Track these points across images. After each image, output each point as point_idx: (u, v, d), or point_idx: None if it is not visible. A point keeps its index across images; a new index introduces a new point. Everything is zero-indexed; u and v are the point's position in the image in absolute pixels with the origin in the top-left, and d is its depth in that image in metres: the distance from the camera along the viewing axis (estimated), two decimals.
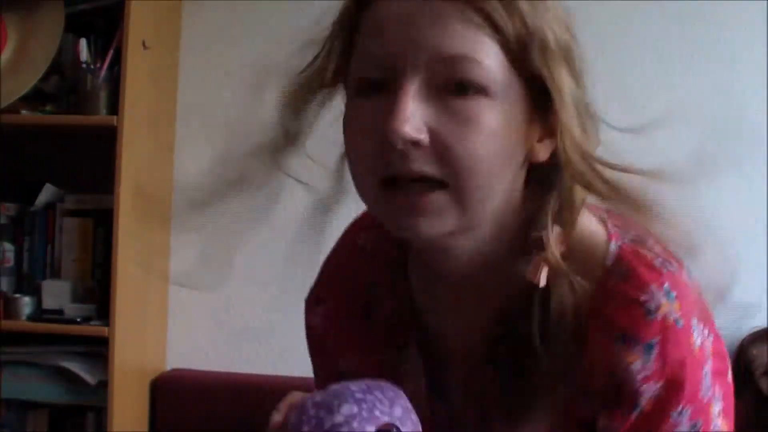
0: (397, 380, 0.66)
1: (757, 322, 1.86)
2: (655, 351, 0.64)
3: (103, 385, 1.78)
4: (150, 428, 1.96)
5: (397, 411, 0.61)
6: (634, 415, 0.64)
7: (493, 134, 0.59)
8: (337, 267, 0.81)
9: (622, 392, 0.65)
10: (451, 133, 0.59)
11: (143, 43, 1.85)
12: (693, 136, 1.96)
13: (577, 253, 0.66)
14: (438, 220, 0.61)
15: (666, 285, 0.65)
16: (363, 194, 0.65)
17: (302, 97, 0.68)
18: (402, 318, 0.74)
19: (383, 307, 0.75)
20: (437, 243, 0.64)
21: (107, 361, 1.76)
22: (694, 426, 0.66)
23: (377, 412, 0.59)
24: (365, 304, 0.77)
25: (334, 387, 0.62)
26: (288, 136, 0.70)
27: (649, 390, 0.64)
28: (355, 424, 0.58)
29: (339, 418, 0.59)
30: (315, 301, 0.83)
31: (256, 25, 2.10)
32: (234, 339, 2.03)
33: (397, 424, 0.60)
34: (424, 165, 0.59)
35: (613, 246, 0.67)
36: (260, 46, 2.09)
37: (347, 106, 0.65)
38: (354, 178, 0.66)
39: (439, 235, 0.62)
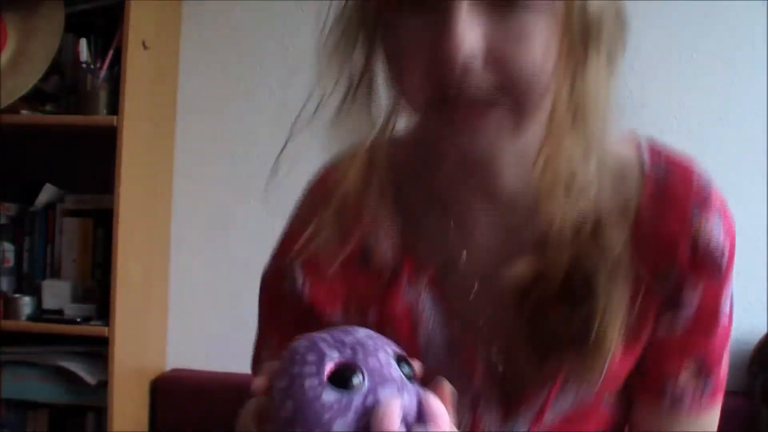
0: (409, 322, 0.67)
1: None
2: (722, 218, 0.68)
3: (103, 385, 1.79)
4: (150, 428, 1.96)
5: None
6: (718, 279, 0.69)
7: (544, 46, 0.57)
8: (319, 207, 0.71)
9: (707, 256, 0.68)
10: (506, 48, 0.57)
11: (143, 43, 1.85)
12: (694, 135, 1.97)
13: (615, 159, 0.68)
14: (496, 134, 0.60)
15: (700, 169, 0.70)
16: (414, 109, 0.63)
17: (351, 31, 0.63)
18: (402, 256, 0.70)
19: (381, 248, 0.70)
20: (486, 157, 0.64)
21: (107, 361, 1.76)
22: (730, 302, 0.71)
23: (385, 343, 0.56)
24: (362, 247, 0.71)
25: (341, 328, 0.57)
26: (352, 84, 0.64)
27: (726, 253, 0.68)
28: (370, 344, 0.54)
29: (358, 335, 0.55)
30: (295, 255, 0.71)
31: (256, 25, 2.10)
32: (234, 339, 2.03)
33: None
34: (481, 80, 0.57)
35: (643, 143, 0.71)
36: (260, 46, 2.09)
37: (386, 19, 0.61)
38: (402, 94, 0.63)
39: (494, 150, 0.62)
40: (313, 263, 0.71)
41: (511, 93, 0.58)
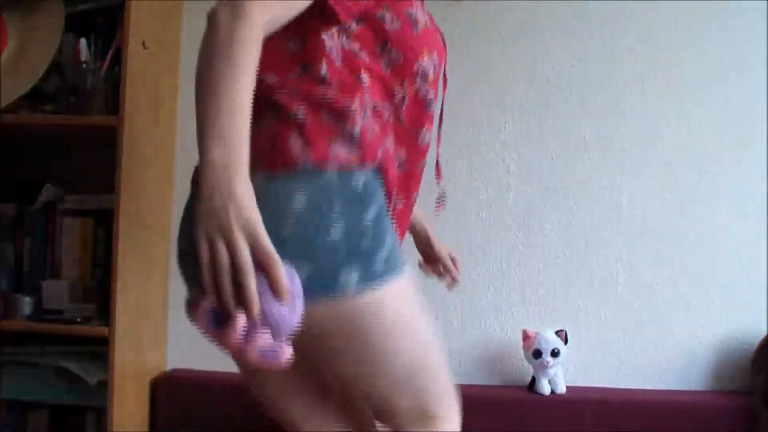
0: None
1: None
2: None
3: (103, 385, 1.78)
4: (150, 428, 1.96)
5: None
6: None
7: None
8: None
9: None
10: None
11: (143, 43, 1.85)
12: (694, 136, 1.97)
13: None
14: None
15: None
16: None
17: None
18: None
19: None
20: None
21: (107, 361, 1.76)
22: None
23: None
24: None
25: None
26: None
27: None
28: None
29: None
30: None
31: None
32: None
33: None
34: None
35: None
36: None
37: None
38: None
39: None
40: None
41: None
